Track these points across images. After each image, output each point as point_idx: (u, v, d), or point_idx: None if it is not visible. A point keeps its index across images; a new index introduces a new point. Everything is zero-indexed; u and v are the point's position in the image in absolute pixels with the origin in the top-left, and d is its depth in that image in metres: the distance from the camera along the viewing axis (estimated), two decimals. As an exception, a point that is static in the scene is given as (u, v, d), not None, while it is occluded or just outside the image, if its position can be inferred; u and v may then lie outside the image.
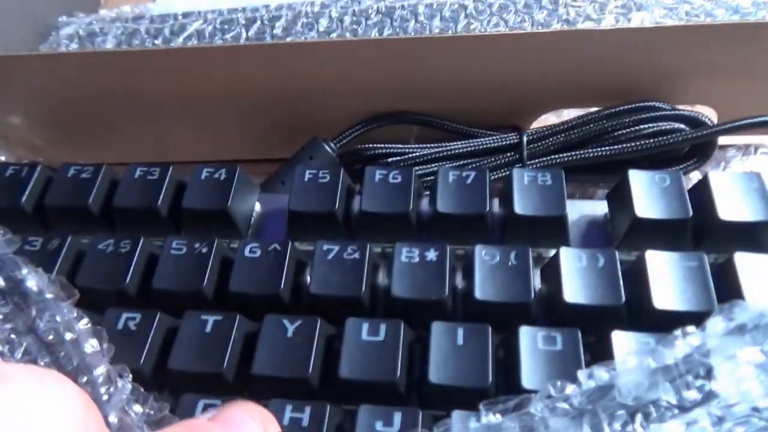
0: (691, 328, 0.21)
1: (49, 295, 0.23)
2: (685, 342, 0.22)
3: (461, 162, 0.35)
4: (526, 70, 0.36)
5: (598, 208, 0.31)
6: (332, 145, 0.37)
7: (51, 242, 0.29)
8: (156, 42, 0.46)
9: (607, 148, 0.34)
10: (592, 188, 0.38)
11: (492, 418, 0.20)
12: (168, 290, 0.28)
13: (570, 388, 0.21)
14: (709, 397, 0.21)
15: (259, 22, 0.47)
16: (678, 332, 0.21)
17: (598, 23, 0.45)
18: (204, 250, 0.28)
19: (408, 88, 0.37)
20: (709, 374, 0.21)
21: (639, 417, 0.20)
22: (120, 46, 0.46)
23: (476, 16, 0.45)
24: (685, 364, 0.21)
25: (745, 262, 0.26)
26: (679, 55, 0.35)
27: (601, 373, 0.21)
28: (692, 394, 0.21)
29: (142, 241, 0.29)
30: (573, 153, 0.34)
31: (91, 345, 0.22)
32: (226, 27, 0.47)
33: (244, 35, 0.46)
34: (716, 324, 0.22)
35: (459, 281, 0.29)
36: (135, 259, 0.28)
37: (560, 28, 0.45)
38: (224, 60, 0.37)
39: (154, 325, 0.26)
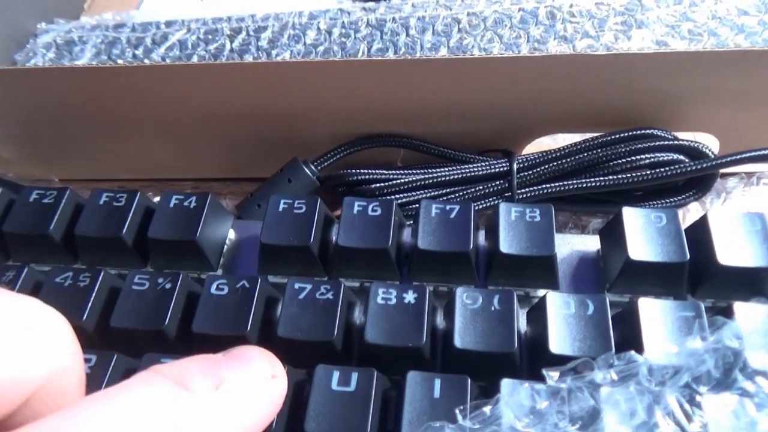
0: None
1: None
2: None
3: (448, 189, 0.34)
4: (520, 94, 0.34)
5: (590, 243, 0.30)
6: (313, 167, 0.35)
7: (6, 274, 0.28)
8: (136, 52, 0.44)
9: (602, 178, 0.32)
10: (586, 218, 0.36)
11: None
12: (127, 329, 0.26)
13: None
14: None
15: (244, 32, 0.45)
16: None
17: (597, 40, 0.43)
18: (168, 286, 0.27)
19: (395, 110, 0.35)
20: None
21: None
22: (99, 56, 0.44)
23: (470, 31, 0.43)
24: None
25: (745, 313, 0.24)
26: (681, 81, 0.33)
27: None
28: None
29: (102, 274, 0.27)
30: (566, 183, 0.33)
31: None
32: (209, 37, 0.45)
33: (228, 46, 0.45)
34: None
35: (440, 322, 0.27)
36: (94, 293, 0.27)
37: (557, 44, 0.43)
38: (204, 77, 0.35)
39: (110, 368, 0.24)
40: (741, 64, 0.32)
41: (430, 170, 0.34)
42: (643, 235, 0.27)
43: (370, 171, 0.34)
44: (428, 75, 0.33)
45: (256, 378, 0.19)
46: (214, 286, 0.27)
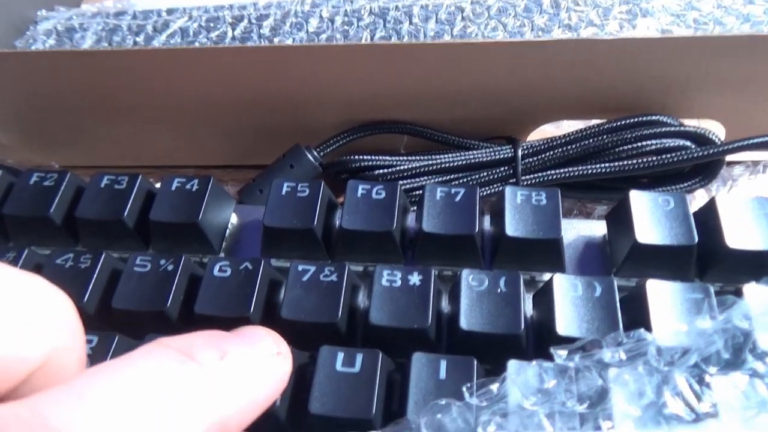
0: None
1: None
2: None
3: (452, 176, 0.33)
4: (524, 80, 0.34)
5: (597, 228, 0.29)
6: (315, 153, 0.35)
7: (6, 255, 0.27)
8: (137, 39, 0.44)
9: (608, 164, 0.32)
10: (591, 204, 0.36)
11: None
12: (128, 310, 0.26)
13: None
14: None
15: (246, 20, 0.45)
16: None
17: (602, 29, 0.43)
18: (170, 268, 0.26)
19: (398, 96, 0.35)
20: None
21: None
22: (99, 43, 0.44)
23: (473, 19, 0.43)
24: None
25: (755, 295, 0.24)
26: (687, 67, 0.33)
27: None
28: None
29: (103, 256, 0.27)
30: (571, 169, 0.32)
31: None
32: (211, 25, 0.45)
33: (229, 34, 0.44)
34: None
35: (445, 305, 0.27)
36: (95, 275, 0.26)
37: (561, 33, 0.43)
38: (205, 62, 0.34)
39: (112, 349, 0.24)
40: (747, 50, 0.32)
41: (433, 157, 0.34)
42: (651, 218, 0.26)
43: (373, 157, 0.34)
44: (432, 60, 0.33)
45: (261, 353, 0.19)
46: (216, 267, 0.26)
